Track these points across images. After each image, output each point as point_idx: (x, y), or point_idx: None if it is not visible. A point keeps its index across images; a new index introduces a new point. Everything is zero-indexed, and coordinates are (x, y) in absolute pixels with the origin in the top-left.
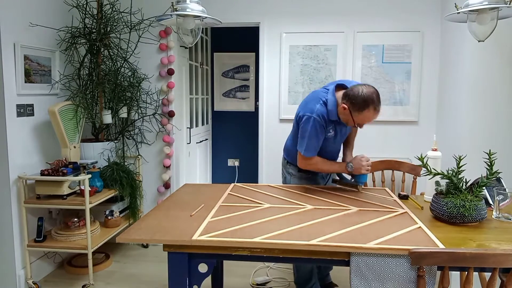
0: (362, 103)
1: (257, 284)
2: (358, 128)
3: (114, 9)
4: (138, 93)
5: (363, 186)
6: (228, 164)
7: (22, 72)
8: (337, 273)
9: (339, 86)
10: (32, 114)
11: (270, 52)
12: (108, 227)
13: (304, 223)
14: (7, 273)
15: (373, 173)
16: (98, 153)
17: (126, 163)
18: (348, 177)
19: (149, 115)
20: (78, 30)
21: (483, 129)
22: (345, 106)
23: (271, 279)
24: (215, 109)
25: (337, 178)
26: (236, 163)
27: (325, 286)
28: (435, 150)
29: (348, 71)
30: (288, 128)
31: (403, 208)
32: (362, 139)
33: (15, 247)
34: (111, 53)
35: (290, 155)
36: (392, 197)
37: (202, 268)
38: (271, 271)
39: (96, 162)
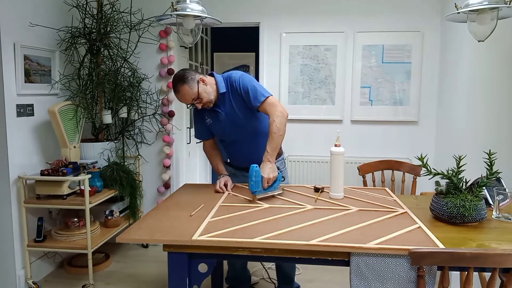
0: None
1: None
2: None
3: (114, 9)
4: (138, 93)
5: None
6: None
7: (22, 72)
8: (337, 273)
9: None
10: (32, 114)
11: (270, 52)
12: (108, 227)
13: (304, 223)
14: (7, 273)
15: (373, 173)
16: (98, 153)
17: (126, 163)
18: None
19: (149, 115)
20: (78, 30)
21: (483, 129)
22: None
23: (258, 280)
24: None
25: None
26: None
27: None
28: (338, 146)
29: (348, 71)
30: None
31: (403, 208)
32: (362, 139)
33: (15, 247)
34: (111, 53)
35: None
36: (392, 197)
37: (202, 268)
38: (269, 271)
39: (96, 162)
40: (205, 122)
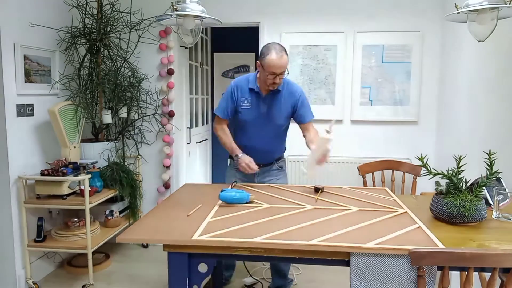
0: (265, 49)
1: (246, 286)
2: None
3: (114, 9)
4: (138, 93)
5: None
6: (228, 164)
7: (22, 72)
8: (337, 273)
9: None
10: (32, 114)
11: None
12: (108, 227)
13: (304, 223)
14: (7, 273)
15: (373, 173)
16: (98, 153)
17: (126, 163)
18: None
19: (149, 115)
20: (78, 30)
21: (483, 129)
22: (258, 63)
23: (259, 280)
24: (215, 109)
25: None
26: None
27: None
28: (330, 132)
29: (348, 71)
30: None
31: (403, 208)
32: (362, 139)
33: (15, 247)
34: (111, 53)
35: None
36: (392, 197)
37: (202, 268)
38: (267, 272)
39: (96, 162)
40: (240, 104)
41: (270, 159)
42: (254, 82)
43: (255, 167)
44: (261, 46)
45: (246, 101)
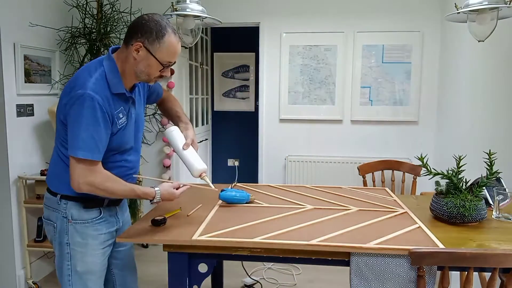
0: (157, 27)
1: (246, 286)
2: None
3: (114, 9)
4: None
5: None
6: (228, 164)
7: (22, 72)
8: (337, 273)
9: (115, 50)
10: (32, 114)
11: (270, 52)
12: None
13: (304, 223)
14: (7, 273)
15: (373, 173)
16: None
17: None
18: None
19: (149, 115)
20: (78, 30)
21: (483, 129)
22: (139, 45)
23: (259, 280)
24: (215, 109)
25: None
26: (236, 163)
27: None
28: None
29: (348, 71)
30: (288, 127)
31: (403, 208)
32: (362, 139)
33: (15, 247)
34: None
35: (60, 179)
36: (392, 197)
37: (202, 268)
38: (267, 272)
39: None
40: (115, 123)
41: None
42: (119, 83)
43: (182, 188)
44: (261, 46)
45: (121, 115)
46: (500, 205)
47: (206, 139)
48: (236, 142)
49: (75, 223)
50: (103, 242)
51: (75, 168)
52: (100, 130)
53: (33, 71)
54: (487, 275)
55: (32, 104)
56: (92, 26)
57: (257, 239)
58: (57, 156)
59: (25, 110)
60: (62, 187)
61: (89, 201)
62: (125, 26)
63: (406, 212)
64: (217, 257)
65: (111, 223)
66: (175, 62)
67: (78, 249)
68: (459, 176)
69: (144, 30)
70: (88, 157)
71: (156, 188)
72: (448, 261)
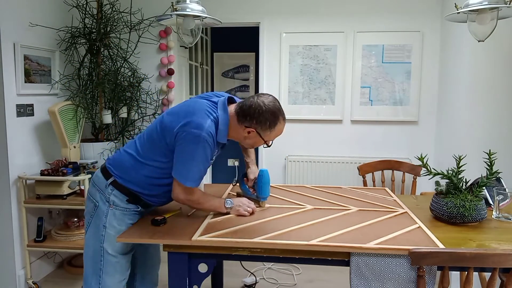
0: (271, 118)
1: (245, 285)
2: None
3: (114, 9)
4: (138, 93)
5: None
6: (228, 164)
7: (22, 72)
8: (337, 273)
9: (230, 100)
10: (32, 114)
11: (270, 52)
12: None
13: (304, 223)
14: (7, 273)
15: (373, 173)
16: (98, 153)
17: None
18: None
19: (149, 115)
20: (78, 30)
21: (483, 129)
22: (250, 130)
23: (259, 280)
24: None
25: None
26: (236, 163)
27: None
28: None
29: (348, 71)
30: (288, 127)
31: (403, 208)
32: (362, 139)
33: (15, 247)
34: (111, 53)
35: (124, 171)
36: (392, 197)
37: (202, 268)
38: (267, 272)
39: (96, 162)
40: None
41: None
42: (225, 137)
43: (254, 210)
44: (261, 46)
45: (213, 158)
46: (500, 205)
47: None
48: (236, 142)
49: (115, 209)
50: None
51: (181, 188)
52: (206, 165)
53: (33, 71)
54: (487, 275)
55: (32, 104)
56: (92, 26)
57: (257, 239)
58: (131, 150)
59: (25, 110)
60: (120, 175)
61: (131, 195)
62: (125, 26)
63: (406, 212)
64: (217, 257)
65: (142, 216)
66: None
67: (112, 233)
68: (459, 176)
69: (259, 119)
70: (193, 186)
71: (227, 205)
72: (448, 261)
